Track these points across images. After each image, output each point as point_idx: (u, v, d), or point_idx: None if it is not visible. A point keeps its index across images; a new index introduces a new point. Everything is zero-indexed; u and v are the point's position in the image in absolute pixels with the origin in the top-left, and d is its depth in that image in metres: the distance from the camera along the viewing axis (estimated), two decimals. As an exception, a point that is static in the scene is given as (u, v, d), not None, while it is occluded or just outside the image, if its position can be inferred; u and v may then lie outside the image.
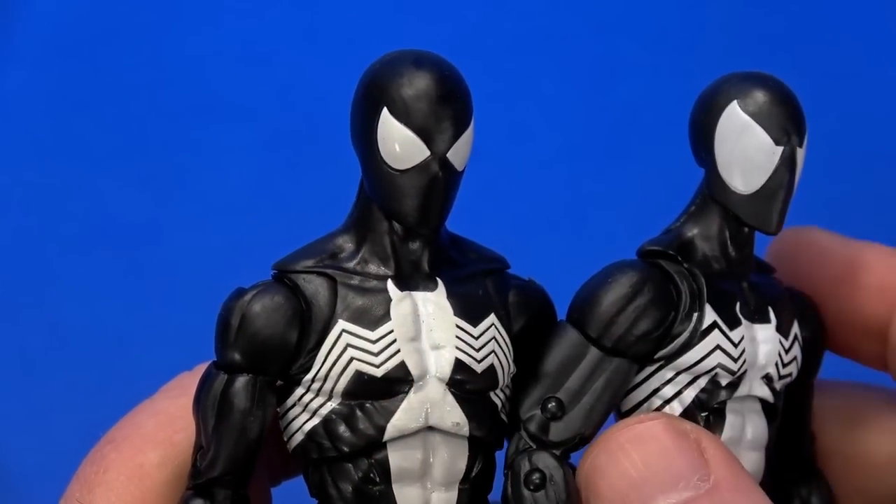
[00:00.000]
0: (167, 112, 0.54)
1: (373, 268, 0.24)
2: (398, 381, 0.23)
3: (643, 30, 0.56)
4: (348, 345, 0.23)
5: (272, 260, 0.29)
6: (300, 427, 0.23)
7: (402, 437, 0.23)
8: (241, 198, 0.52)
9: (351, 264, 0.24)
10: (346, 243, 0.24)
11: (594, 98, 0.54)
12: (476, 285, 0.25)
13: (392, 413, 0.23)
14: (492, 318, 0.24)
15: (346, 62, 0.51)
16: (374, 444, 0.23)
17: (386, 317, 0.23)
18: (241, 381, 0.23)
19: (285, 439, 0.24)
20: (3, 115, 0.53)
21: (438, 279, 0.24)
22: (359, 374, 0.23)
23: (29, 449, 0.47)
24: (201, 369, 0.25)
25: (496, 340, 0.24)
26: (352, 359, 0.23)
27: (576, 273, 0.28)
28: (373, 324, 0.23)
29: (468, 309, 0.24)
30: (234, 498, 0.24)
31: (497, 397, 0.24)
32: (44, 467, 0.46)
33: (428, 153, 0.23)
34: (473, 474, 0.24)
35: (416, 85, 0.23)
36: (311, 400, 0.23)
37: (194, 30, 0.55)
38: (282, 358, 0.23)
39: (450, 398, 0.23)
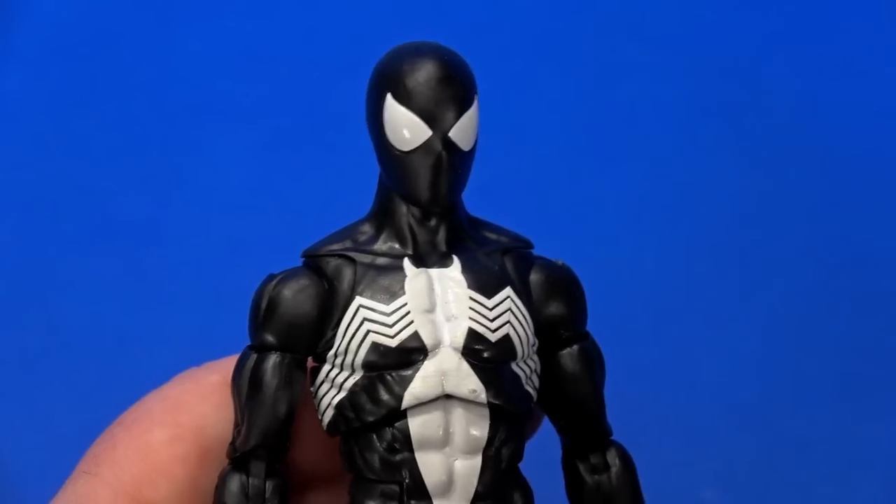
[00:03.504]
0: (168, 112, 0.54)
1: (391, 247, 0.25)
2: (413, 351, 0.24)
3: (643, 30, 0.56)
4: (365, 318, 0.24)
5: (272, 259, 0.30)
6: (330, 402, 0.25)
7: (420, 405, 0.24)
8: (241, 197, 0.52)
9: (372, 246, 0.25)
10: (368, 228, 0.26)
11: (595, 98, 0.54)
12: (492, 261, 0.26)
13: (409, 382, 0.24)
14: (507, 291, 0.25)
15: (346, 62, 0.49)
16: (394, 413, 0.24)
17: (401, 291, 0.24)
18: (270, 359, 0.25)
19: (320, 418, 0.25)
20: (2, 115, 0.54)
21: (454, 256, 0.25)
22: (375, 346, 0.24)
23: (29, 449, 0.46)
24: (210, 364, 0.27)
25: (512, 312, 0.25)
26: (368, 331, 0.24)
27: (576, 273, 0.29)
28: (388, 298, 0.24)
29: (483, 282, 0.25)
30: (268, 471, 0.25)
31: (520, 368, 0.25)
32: (44, 467, 0.44)
33: (430, 133, 0.24)
34: (497, 443, 0.25)
35: (417, 69, 0.24)
36: (337, 375, 0.25)
37: (195, 29, 0.55)
38: (307, 336, 0.25)
39: (465, 366, 0.24)
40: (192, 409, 0.27)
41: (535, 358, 0.26)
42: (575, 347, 0.27)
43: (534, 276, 0.26)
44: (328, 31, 0.56)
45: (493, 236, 0.27)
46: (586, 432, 0.27)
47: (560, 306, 0.26)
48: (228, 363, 0.27)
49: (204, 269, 0.49)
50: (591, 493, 0.27)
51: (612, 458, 0.27)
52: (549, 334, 0.26)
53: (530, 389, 0.26)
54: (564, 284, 0.27)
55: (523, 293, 0.26)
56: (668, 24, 0.57)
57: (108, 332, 0.48)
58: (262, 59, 0.54)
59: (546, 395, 0.27)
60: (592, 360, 0.27)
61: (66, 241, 0.51)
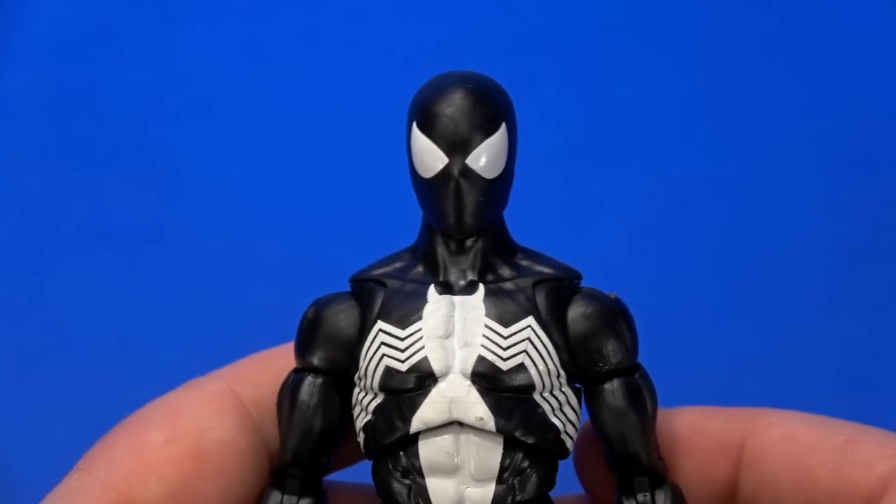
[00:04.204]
0: (167, 112, 0.54)
1: (421, 274, 0.26)
2: (422, 376, 0.24)
3: (643, 30, 0.56)
4: (382, 343, 0.25)
5: (271, 260, 0.30)
6: (360, 425, 0.25)
7: (430, 430, 0.24)
8: (241, 198, 0.52)
9: (406, 273, 0.26)
10: (407, 256, 0.26)
11: (595, 98, 0.54)
12: (519, 292, 0.26)
13: (417, 406, 0.24)
14: (529, 320, 0.25)
15: (345, 63, 0.50)
16: (405, 438, 0.24)
17: (418, 317, 0.25)
18: (306, 380, 0.26)
19: (358, 440, 0.26)
20: (2, 116, 0.54)
21: (481, 284, 0.25)
22: (388, 370, 0.24)
23: (28, 450, 0.46)
24: (215, 372, 0.28)
25: (530, 341, 0.25)
26: (383, 355, 0.25)
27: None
28: (405, 323, 0.25)
29: (502, 311, 0.25)
30: (302, 488, 0.26)
31: (545, 400, 0.25)
32: (44, 468, 0.48)
33: (447, 160, 0.24)
34: (513, 472, 0.24)
35: (438, 98, 0.25)
36: (364, 397, 0.25)
37: (195, 29, 0.55)
38: (341, 358, 0.26)
39: (474, 394, 0.24)
40: (192, 413, 0.27)
41: (566, 390, 0.26)
42: (615, 382, 0.26)
43: (576, 309, 0.26)
44: (328, 32, 0.56)
45: (533, 267, 0.26)
46: (632, 469, 0.26)
47: (603, 340, 0.26)
48: (233, 371, 0.28)
49: (204, 271, 0.49)
50: None
51: (662, 498, 0.26)
52: (591, 368, 0.26)
53: (558, 421, 0.25)
54: (609, 317, 0.26)
55: (553, 325, 0.25)
56: (667, 24, 0.58)
57: (107, 333, 0.48)
58: (262, 59, 0.54)
59: (596, 431, 0.27)
60: (638, 394, 0.27)
61: (65, 241, 0.51)
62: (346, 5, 0.56)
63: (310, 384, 0.26)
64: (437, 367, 0.24)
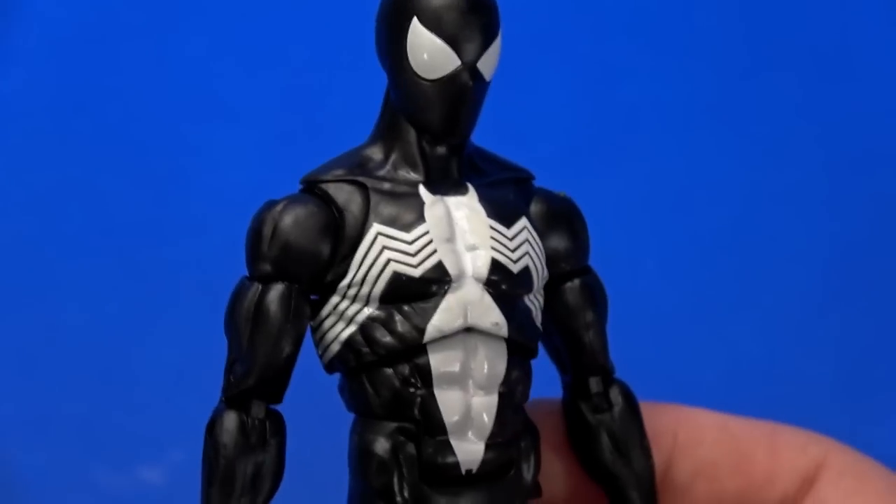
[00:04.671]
0: (167, 112, 0.54)
1: (403, 174, 0.24)
2: (436, 282, 0.23)
3: (640, 28, 0.57)
4: (384, 247, 0.23)
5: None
6: (336, 336, 0.24)
7: (442, 338, 0.23)
8: (241, 198, 0.53)
9: (381, 172, 0.24)
10: (375, 153, 0.25)
11: (594, 97, 0.55)
12: (505, 191, 0.25)
13: (431, 314, 0.23)
14: (524, 221, 0.25)
15: (345, 62, 0.50)
16: (415, 348, 0.23)
17: (420, 219, 0.24)
18: (275, 290, 0.23)
19: (320, 353, 0.25)
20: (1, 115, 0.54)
21: (468, 184, 0.25)
22: (396, 276, 0.23)
23: (29, 449, 0.47)
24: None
25: (529, 243, 0.24)
26: (389, 260, 0.23)
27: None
28: (408, 226, 0.23)
29: (500, 211, 0.24)
30: (268, 410, 0.24)
31: (531, 302, 0.25)
32: (44, 469, 0.47)
33: (458, 63, 0.23)
34: (512, 379, 0.24)
35: None
36: (348, 307, 0.24)
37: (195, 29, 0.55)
38: (316, 267, 0.24)
39: (488, 298, 0.23)
40: None
41: (542, 293, 0.26)
42: (577, 281, 0.26)
43: (534, 208, 0.26)
44: (328, 33, 0.56)
45: (498, 165, 0.26)
46: (588, 369, 0.27)
47: (562, 239, 0.26)
48: None
49: (206, 269, 0.49)
50: (594, 433, 0.27)
51: (615, 395, 0.27)
52: (551, 268, 0.26)
53: (538, 324, 0.25)
54: (566, 217, 0.26)
55: (533, 224, 0.25)
56: (667, 24, 0.57)
57: (107, 333, 0.48)
58: (262, 58, 0.54)
59: (548, 330, 0.26)
60: (594, 294, 0.27)
61: (65, 241, 0.51)
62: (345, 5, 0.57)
63: (282, 295, 0.24)
64: (453, 271, 0.24)
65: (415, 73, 0.24)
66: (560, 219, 0.26)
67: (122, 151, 0.53)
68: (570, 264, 0.26)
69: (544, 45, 0.56)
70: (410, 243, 0.24)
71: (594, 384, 0.27)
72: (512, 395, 0.24)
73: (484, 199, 0.24)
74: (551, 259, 0.26)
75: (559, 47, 0.56)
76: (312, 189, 0.25)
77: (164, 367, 0.43)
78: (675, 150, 0.55)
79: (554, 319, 0.26)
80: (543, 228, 0.26)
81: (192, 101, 0.54)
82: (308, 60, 0.55)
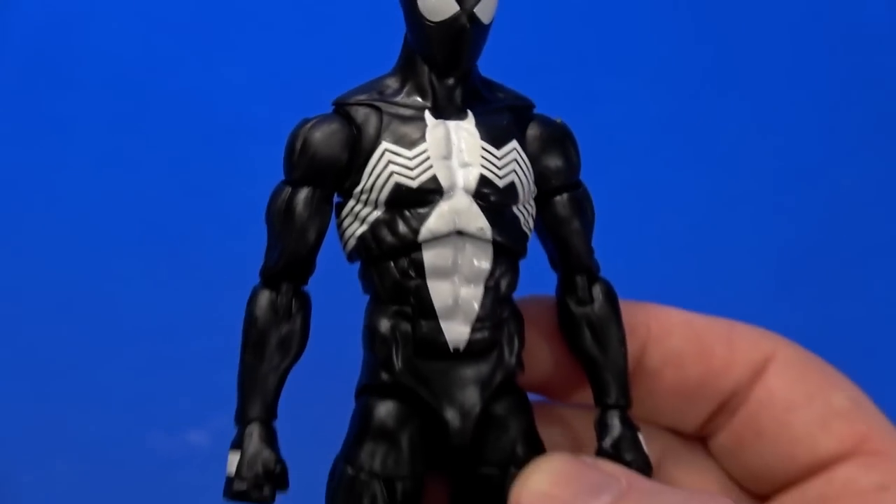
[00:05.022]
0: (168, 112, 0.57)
1: (413, 101, 0.28)
2: (430, 192, 0.27)
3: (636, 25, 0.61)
4: (389, 161, 0.27)
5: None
6: (353, 233, 0.28)
7: (434, 239, 0.27)
8: (242, 198, 0.52)
9: (396, 98, 0.28)
10: (392, 83, 0.28)
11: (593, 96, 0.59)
12: (501, 117, 0.28)
13: (425, 218, 0.27)
14: (514, 143, 0.28)
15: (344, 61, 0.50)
16: (411, 245, 0.27)
17: (422, 139, 0.27)
18: (303, 192, 0.27)
19: (342, 246, 0.28)
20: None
21: (469, 111, 0.28)
22: (398, 186, 0.27)
23: (93, 419, 0.50)
24: None
25: (517, 162, 0.28)
26: (392, 173, 0.27)
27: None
28: (411, 144, 0.27)
29: (493, 135, 0.28)
30: (294, 291, 0.28)
31: (520, 211, 0.28)
32: (105, 436, 0.50)
33: (457, 8, 0.27)
34: (497, 274, 0.28)
35: None
36: (361, 210, 0.28)
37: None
38: (336, 173, 0.28)
39: (475, 208, 0.27)
40: None
41: (532, 203, 0.29)
42: (566, 195, 0.29)
43: (531, 131, 0.29)
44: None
45: (501, 95, 0.29)
46: (575, 268, 0.30)
47: (554, 159, 0.29)
48: None
49: (255, 244, 0.51)
50: (577, 323, 0.30)
51: (597, 292, 0.30)
52: (544, 183, 0.29)
53: (527, 230, 0.28)
54: (559, 139, 0.29)
55: (525, 146, 0.28)
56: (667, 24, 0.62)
57: (160, 314, 0.50)
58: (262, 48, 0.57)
59: (542, 235, 0.30)
60: (582, 205, 0.30)
61: (116, 215, 0.54)
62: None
63: (307, 196, 0.28)
64: (444, 184, 0.27)
65: (422, 16, 0.27)
66: (553, 141, 0.29)
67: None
68: (559, 180, 0.29)
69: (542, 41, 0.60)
70: (411, 159, 0.27)
71: (580, 281, 0.30)
72: (497, 287, 0.27)
73: (481, 123, 0.28)
74: (544, 176, 0.29)
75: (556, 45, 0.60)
76: (339, 110, 0.28)
77: (207, 344, 0.45)
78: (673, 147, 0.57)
79: (546, 227, 0.30)
80: (538, 149, 0.29)
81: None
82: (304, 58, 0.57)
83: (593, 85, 0.60)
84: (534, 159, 0.29)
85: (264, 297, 0.28)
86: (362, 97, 0.28)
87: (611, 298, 0.30)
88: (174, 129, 0.56)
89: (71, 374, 0.49)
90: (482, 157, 0.27)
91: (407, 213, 0.27)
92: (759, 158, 0.60)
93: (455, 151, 0.27)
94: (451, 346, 0.27)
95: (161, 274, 0.52)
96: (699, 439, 0.34)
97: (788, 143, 0.61)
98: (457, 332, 0.27)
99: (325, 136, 0.28)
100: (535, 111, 0.29)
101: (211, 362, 0.43)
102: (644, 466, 0.30)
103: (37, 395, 0.49)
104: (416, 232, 0.27)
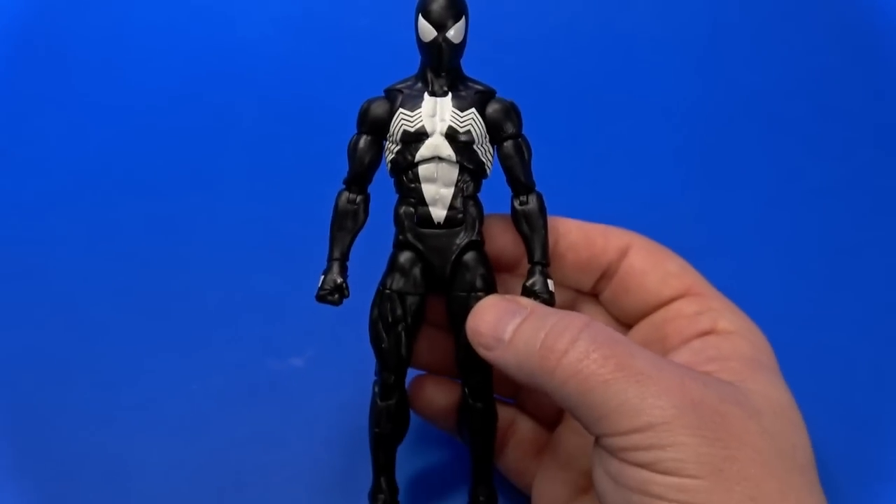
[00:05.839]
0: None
1: (419, 87, 0.40)
2: (421, 134, 0.40)
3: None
4: (401, 118, 0.40)
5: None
6: (388, 157, 0.41)
7: (423, 161, 0.40)
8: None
9: (412, 86, 0.41)
10: (412, 79, 0.41)
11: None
12: (468, 97, 0.40)
13: (418, 149, 0.40)
14: (472, 110, 0.40)
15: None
16: (412, 164, 0.40)
17: (419, 107, 0.40)
18: (364, 137, 0.41)
19: (386, 164, 0.41)
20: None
21: (449, 93, 0.40)
22: (405, 131, 0.40)
23: (226, 347, 0.57)
24: None
25: (473, 120, 0.40)
26: (402, 123, 0.40)
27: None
28: (412, 108, 0.40)
29: (460, 104, 0.40)
30: (360, 192, 0.41)
31: (479, 148, 0.40)
32: (236, 361, 0.56)
33: (436, 34, 0.39)
34: (461, 181, 0.40)
35: (431, 2, 0.39)
36: (390, 146, 0.41)
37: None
38: (381, 127, 0.41)
39: (446, 143, 0.40)
40: None
41: (489, 145, 0.40)
42: (510, 142, 0.41)
43: (491, 105, 0.41)
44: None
45: (474, 86, 0.40)
46: (518, 186, 0.41)
47: (503, 120, 0.40)
48: None
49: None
50: (519, 215, 0.41)
51: (532, 198, 0.41)
52: (497, 134, 0.40)
53: (483, 160, 0.40)
54: (507, 108, 0.40)
55: (481, 113, 0.40)
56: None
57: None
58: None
59: (502, 166, 0.41)
60: (520, 148, 0.41)
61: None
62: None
63: (367, 138, 0.41)
64: (429, 130, 0.39)
65: (420, 39, 0.39)
66: (503, 110, 0.40)
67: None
68: (506, 133, 0.40)
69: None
70: (412, 117, 0.40)
71: (521, 192, 0.41)
72: (463, 189, 0.40)
73: (455, 99, 0.39)
74: (497, 129, 0.40)
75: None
76: (385, 93, 0.40)
77: (308, 292, 0.44)
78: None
79: (501, 161, 0.40)
80: (494, 114, 0.40)
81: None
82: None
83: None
84: (491, 120, 0.40)
85: (343, 193, 0.42)
86: (397, 86, 0.41)
87: (540, 202, 0.41)
88: (298, 117, 0.64)
89: (221, 318, 0.57)
90: (451, 117, 0.40)
91: (410, 146, 0.40)
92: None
93: (438, 113, 0.40)
94: (435, 221, 0.41)
95: (280, 234, 0.59)
96: (593, 295, 0.46)
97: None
98: (438, 213, 0.41)
99: (376, 107, 0.41)
100: (497, 95, 0.41)
101: (307, 311, 0.49)
102: (549, 299, 0.40)
103: (194, 337, 0.56)
104: (413, 156, 0.40)
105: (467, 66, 0.42)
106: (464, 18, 0.39)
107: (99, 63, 0.65)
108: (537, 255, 0.41)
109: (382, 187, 0.43)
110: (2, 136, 0.62)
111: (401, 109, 0.40)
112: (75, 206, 0.59)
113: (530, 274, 0.41)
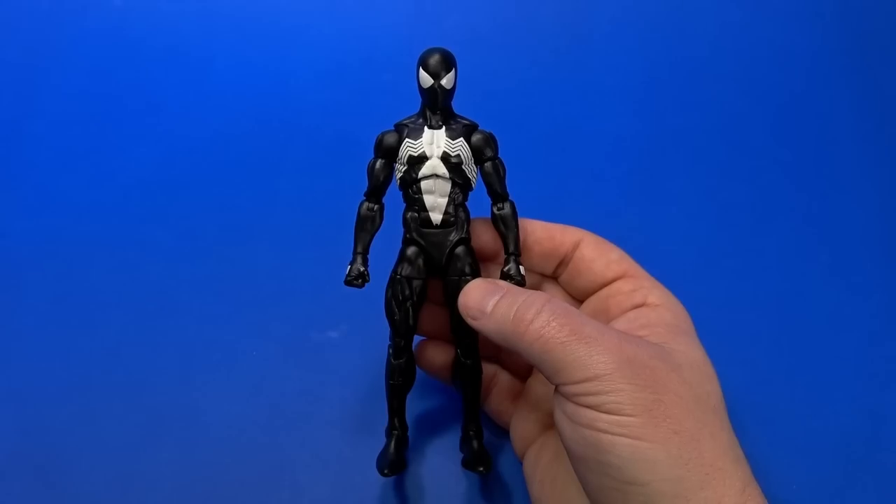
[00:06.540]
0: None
1: (420, 123, 0.47)
2: (423, 157, 0.47)
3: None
4: (407, 146, 0.47)
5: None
6: (398, 176, 0.48)
7: (424, 178, 0.47)
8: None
9: (414, 122, 0.47)
10: (414, 116, 0.47)
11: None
12: (458, 130, 0.47)
13: (420, 168, 0.47)
14: (461, 140, 0.47)
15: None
16: (416, 180, 0.47)
17: (420, 137, 0.47)
18: (379, 161, 0.48)
19: (396, 181, 0.47)
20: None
21: (443, 126, 0.46)
22: (410, 155, 0.47)
23: (278, 322, 0.64)
24: None
25: (461, 148, 0.47)
26: (407, 149, 0.47)
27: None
28: (416, 138, 0.47)
29: (452, 135, 0.46)
30: (377, 201, 0.48)
31: (466, 167, 0.48)
32: (286, 334, 0.63)
33: (433, 81, 0.45)
34: (453, 193, 0.47)
35: (429, 56, 0.45)
36: (398, 167, 0.48)
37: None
38: (392, 153, 0.48)
39: (441, 164, 0.47)
40: None
41: (473, 167, 0.47)
42: (489, 163, 0.48)
43: (475, 136, 0.47)
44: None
45: (462, 121, 0.47)
46: (496, 196, 0.48)
47: (483, 146, 0.47)
48: None
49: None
50: (496, 219, 0.48)
51: (507, 205, 0.48)
52: (479, 157, 0.47)
53: (470, 177, 0.47)
54: (487, 138, 0.47)
55: (468, 142, 0.47)
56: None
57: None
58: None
59: (482, 180, 0.47)
60: (497, 166, 0.48)
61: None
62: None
63: (380, 162, 0.47)
64: (428, 154, 0.46)
65: (420, 85, 0.45)
66: (484, 140, 0.47)
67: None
68: (486, 156, 0.48)
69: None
70: (415, 144, 0.46)
71: (499, 200, 0.48)
72: (454, 199, 0.47)
73: (447, 131, 0.46)
74: (479, 153, 0.47)
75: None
76: (395, 127, 0.47)
77: (340, 283, 0.49)
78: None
79: (483, 177, 0.47)
80: (478, 142, 0.47)
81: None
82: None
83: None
84: (475, 146, 0.48)
85: (364, 203, 0.49)
86: (403, 122, 0.48)
87: (513, 208, 0.49)
88: (327, 146, 0.71)
89: (275, 301, 0.65)
90: (445, 144, 0.47)
91: (415, 166, 0.48)
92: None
93: (434, 142, 0.47)
94: (434, 223, 0.48)
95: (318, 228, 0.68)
96: (553, 278, 0.53)
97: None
98: (436, 217, 0.48)
99: (388, 137, 0.48)
100: (480, 128, 0.48)
101: (340, 295, 0.54)
102: (521, 281, 0.48)
103: (256, 316, 0.62)
104: (417, 174, 0.48)
105: (458, 106, 0.50)
106: (454, 70, 0.47)
107: (189, 107, 0.74)
108: (511, 248, 0.49)
109: (394, 200, 0.51)
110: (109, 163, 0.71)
111: (407, 139, 0.48)
112: (168, 217, 0.68)
113: (506, 262, 0.49)
